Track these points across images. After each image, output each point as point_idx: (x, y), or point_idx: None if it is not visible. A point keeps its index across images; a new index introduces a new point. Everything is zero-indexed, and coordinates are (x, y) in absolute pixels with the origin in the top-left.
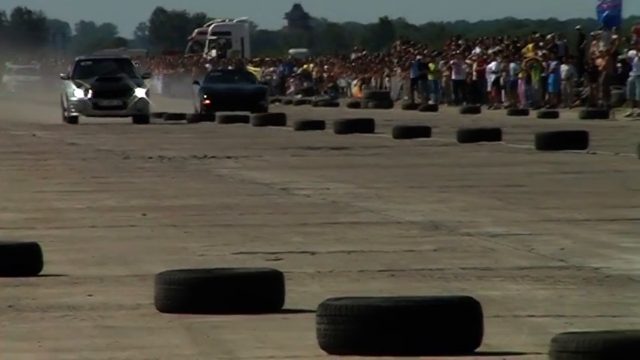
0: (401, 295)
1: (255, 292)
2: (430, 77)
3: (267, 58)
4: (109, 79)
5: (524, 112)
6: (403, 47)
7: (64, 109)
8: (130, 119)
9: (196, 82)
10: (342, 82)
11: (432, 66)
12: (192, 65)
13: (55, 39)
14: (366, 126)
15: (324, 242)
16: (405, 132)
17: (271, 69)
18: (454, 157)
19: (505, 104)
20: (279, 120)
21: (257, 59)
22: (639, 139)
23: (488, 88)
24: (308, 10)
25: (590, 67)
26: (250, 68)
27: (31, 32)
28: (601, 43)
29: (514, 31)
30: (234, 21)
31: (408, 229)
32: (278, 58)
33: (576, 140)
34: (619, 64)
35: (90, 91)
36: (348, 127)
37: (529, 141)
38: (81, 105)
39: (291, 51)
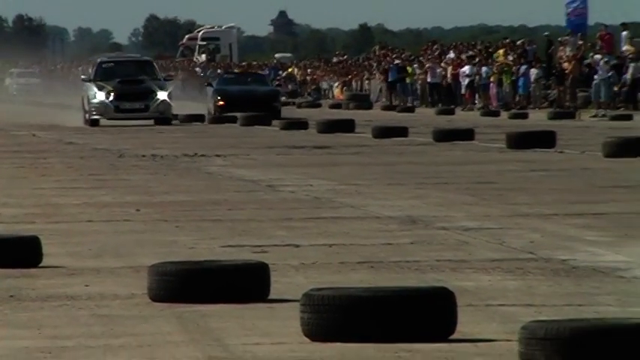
0: (379, 285)
1: (242, 283)
2: (408, 80)
3: (254, 62)
4: (131, 81)
5: (496, 114)
6: (382, 52)
7: (85, 112)
8: (151, 122)
9: (209, 85)
10: (324, 85)
11: (409, 69)
12: (183, 69)
13: (54, 44)
14: (347, 126)
15: (307, 236)
16: (384, 132)
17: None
18: (430, 155)
19: (478, 106)
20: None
21: (244, 63)
22: (604, 138)
23: (462, 91)
24: (292, 16)
25: (557, 70)
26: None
27: (32, 37)
28: (568, 49)
29: (486, 36)
30: (223, 27)
31: (387, 223)
32: (264, 62)
33: (545, 140)
34: (585, 68)
35: (112, 94)
36: (330, 127)
37: (500, 140)
38: (102, 108)
39: (277, 55)
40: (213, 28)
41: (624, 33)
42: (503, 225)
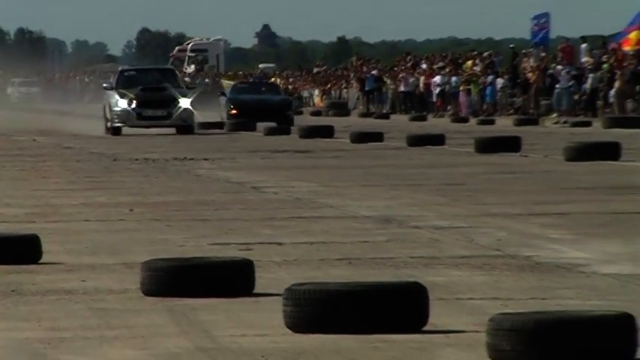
0: (357, 280)
1: (229, 278)
2: (383, 89)
3: (240, 72)
4: (153, 88)
5: (465, 120)
6: (359, 62)
7: (107, 120)
8: (173, 130)
9: (222, 94)
10: (305, 93)
11: (385, 79)
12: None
13: (53, 55)
14: (326, 132)
15: (289, 234)
16: (361, 137)
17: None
18: (404, 159)
19: (448, 113)
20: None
21: (230, 73)
22: (565, 143)
23: (434, 99)
24: (275, 29)
25: (522, 80)
26: (224, 81)
27: (32, 49)
28: (532, 60)
29: (456, 48)
30: (211, 39)
31: (364, 222)
32: (249, 72)
33: (510, 144)
34: (547, 78)
35: (134, 102)
36: (311, 132)
37: (469, 145)
38: (125, 115)
39: (261, 65)
40: (201, 40)
41: (583, 45)
42: (472, 224)
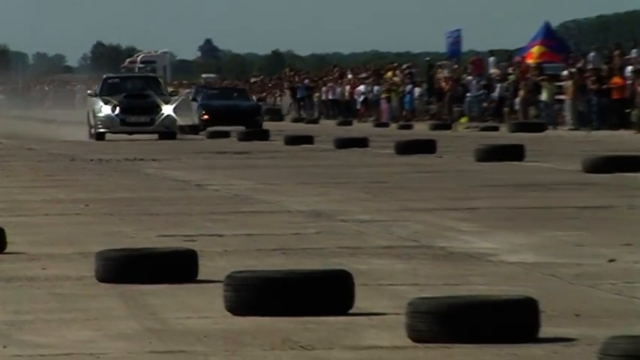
0: (290, 268)
1: (175, 267)
2: (313, 97)
3: (185, 82)
4: (136, 95)
5: (386, 125)
6: (291, 73)
7: (91, 126)
8: (155, 136)
9: (194, 100)
10: None
11: (315, 88)
12: None
13: (16, 66)
14: (262, 135)
15: (229, 227)
16: (294, 140)
17: (187, 90)
18: (332, 159)
19: (371, 119)
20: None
21: (176, 82)
22: (475, 146)
23: (358, 106)
24: (217, 44)
25: (437, 89)
26: (170, 90)
27: None
28: (445, 71)
29: (378, 61)
30: (158, 52)
31: (296, 216)
32: (193, 81)
33: (426, 147)
34: (460, 87)
35: (117, 108)
36: (249, 136)
37: (390, 147)
38: (108, 121)
39: (204, 76)
40: (150, 53)
41: (491, 58)
42: (392, 218)
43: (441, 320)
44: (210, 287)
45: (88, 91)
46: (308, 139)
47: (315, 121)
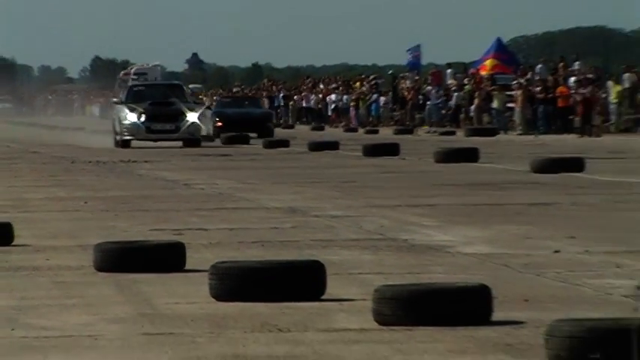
0: (268, 259)
1: (165, 258)
2: (290, 105)
3: None
4: (161, 103)
5: (355, 130)
6: (269, 84)
7: (116, 134)
8: (180, 143)
9: (208, 108)
10: None
11: (290, 97)
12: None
13: (22, 78)
14: (243, 140)
15: (213, 222)
16: (272, 144)
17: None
18: (306, 161)
19: (341, 124)
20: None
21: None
22: (435, 149)
23: (329, 113)
24: (202, 57)
25: (400, 98)
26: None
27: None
28: (408, 82)
29: (347, 72)
30: (150, 65)
31: (274, 212)
32: None
33: (391, 150)
34: (420, 97)
35: (143, 115)
36: (231, 140)
37: (358, 150)
38: (134, 129)
39: (190, 86)
40: (142, 65)
41: (449, 70)
42: (360, 213)
43: (404, 305)
44: (196, 276)
45: (114, 99)
46: (285, 143)
47: (291, 127)
